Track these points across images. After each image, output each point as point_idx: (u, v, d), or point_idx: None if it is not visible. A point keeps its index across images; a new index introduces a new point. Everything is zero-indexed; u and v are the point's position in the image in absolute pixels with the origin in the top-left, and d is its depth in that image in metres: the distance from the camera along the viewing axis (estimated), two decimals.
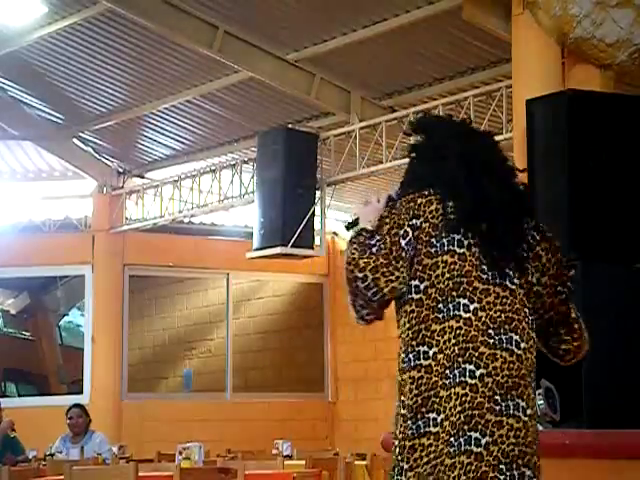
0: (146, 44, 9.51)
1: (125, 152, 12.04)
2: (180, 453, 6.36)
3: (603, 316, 4.93)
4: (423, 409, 2.72)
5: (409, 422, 2.74)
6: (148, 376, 12.80)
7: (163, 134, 11.30)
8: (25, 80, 10.85)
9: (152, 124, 11.10)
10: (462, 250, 2.80)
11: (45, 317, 13.59)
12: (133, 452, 8.93)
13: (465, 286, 2.77)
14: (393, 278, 2.79)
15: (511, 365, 2.74)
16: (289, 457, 8.11)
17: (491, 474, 2.67)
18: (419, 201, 2.86)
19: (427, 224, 2.82)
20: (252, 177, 10.52)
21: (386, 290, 2.80)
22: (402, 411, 2.77)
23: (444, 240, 2.81)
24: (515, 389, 2.73)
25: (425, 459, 2.71)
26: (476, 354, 2.72)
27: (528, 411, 2.73)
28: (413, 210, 2.85)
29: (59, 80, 10.54)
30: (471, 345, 2.72)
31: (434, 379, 2.72)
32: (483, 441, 2.67)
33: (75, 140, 11.78)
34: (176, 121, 10.94)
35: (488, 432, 2.68)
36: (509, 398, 2.71)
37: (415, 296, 2.80)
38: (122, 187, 12.17)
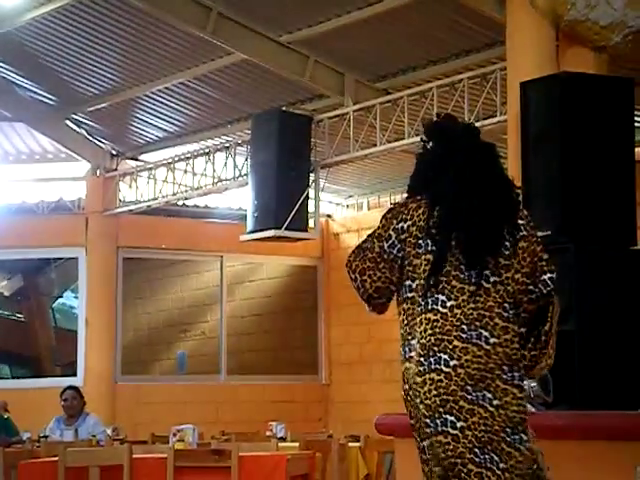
0: (139, 26, 9.47)
1: (118, 134, 12.01)
2: (174, 435, 6.37)
3: (595, 299, 4.96)
4: (409, 399, 3.05)
5: (410, 409, 3.06)
6: (142, 358, 12.81)
7: (157, 116, 11.27)
8: (18, 62, 10.80)
9: (145, 106, 11.07)
10: (432, 256, 3.05)
11: (39, 299, 13.58)
12: (127, 434, 8.95)
13: (444, 284, 3.02)
14: (375, 278, 3.11)
15: (479, 359, 2.97)
16: (283, 439, 8.14)
17: (468, 456, 2.93)
18: (410, 205, 3.13)
19: (414, 227, 3.08)
20: (246, 159, 10.51)
21: (371, 290, 3.14)
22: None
23: (428, 241, 3.06)
24: (482, 381, 2.96)
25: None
26: (450, 346, 2.97)
27: (495, 402, 2.96)
28: (402, 214, 3.12)
29: (52, 62, 10.49)
30: (446, 338, 2.98)
31: (413, 368, 3.02)
32: (458, 425, 2.94)
33: (68, 122, 11.74)
34: (170, 103, 10.91)
35: (462, 417, 2.95)
36: (477, 390, 2.96)
37: (409, 295, 3.07)
38: (115, 169, 12.15)
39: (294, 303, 13.28)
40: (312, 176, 9.96)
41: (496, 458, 2.92)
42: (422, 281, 3.03)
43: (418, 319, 3.02)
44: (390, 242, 3.10)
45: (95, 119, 11.65)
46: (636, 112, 6.13)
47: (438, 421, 2.95)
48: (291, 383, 12.62)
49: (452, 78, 8.79)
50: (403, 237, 3.08)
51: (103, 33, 9.67)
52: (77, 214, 12.10)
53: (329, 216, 13.05)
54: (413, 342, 3.02)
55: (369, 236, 3.17)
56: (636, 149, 5.73)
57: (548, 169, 5.31)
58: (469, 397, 2.94)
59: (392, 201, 12.44)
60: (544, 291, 3.11)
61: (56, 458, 5.85)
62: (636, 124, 6.01)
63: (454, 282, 3.02)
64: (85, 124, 11.81)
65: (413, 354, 3.02)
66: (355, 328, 12.39)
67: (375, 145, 9.44)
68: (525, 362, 3.09)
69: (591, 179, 5.23)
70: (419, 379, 2.99)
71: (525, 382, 3.09)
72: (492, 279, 3.03)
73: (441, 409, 2.94)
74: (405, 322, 3.07)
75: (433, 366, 2.97)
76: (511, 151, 6.63)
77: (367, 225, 12.62)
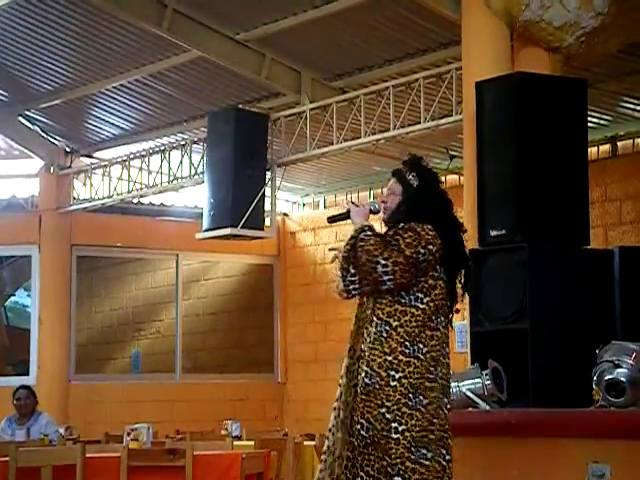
0: (94, 21, 9.38)
1: (73, 131, 11.90)
2: (128, 434, 6.33)
3: (548, 297, 5.00)
4: (419, 390, 3.67)
5: (410, 395, 3.66)
6: (96, 357, 12.70)
7: (111, 113, 11.18)
8: None
9: (100, 103, 10.97)
10: (443, 282, 3.83)
11: None
12: (80, 433, 8.86)
13: (445, 309, 3.83)
14: (404, 277, 3.72)
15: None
16: (238, 438, 8.12)
17: None
18: (432, 233, 3.79)
19: (437, 254, 3.79)
20: (202, 157, 10.46)
21: (397, 282, 3.71)
22: (394, 383, 3.68)
23: (441, 269, 3.81)
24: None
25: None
26: (447, 360, 3.81)
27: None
28: (433, 238, 3.79)
29: (4, 58, 10.36)
30: (444, 352, 3.80)
31: (422, 369, 3.70)
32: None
33: (21, 119, 11.60)
34: (125, 100, 10.83)
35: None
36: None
37: (420, 305, 3.75)
38: (70, 167, 12.03)
39: (250, 302, 13.26)
40: (268, 174, 9.94)
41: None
42: (436, 302, 3.77)
43: (430, 333, 3.75)
44: (423, 258, 3.74)
45: (49, 116, 11.52)
46: (589, 113, 6.20)
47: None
48: (247, 382, 12.60)
49: (408, 77, 8.83)
50: (430, 258, 3.75)
51: (57, 29, 9.57)
52: (30, 212, 11.97)
53: (285, 214, 13.04)
54: (424, 349, 3.73)
55: (380, 234, 3.79)
56: (589, 149, 5.79)
57: (503, 168, 5.34)
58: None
59: (348, 199, 12.48)
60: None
61: (7, 458, 5.78)
62: (589, 125, 6.08)
63: (445, 308, 3.85)
64: (38, 121, 11.68)
65: (422, 358, 3.73)
66: (311, 327, 12.40)
67: (332, 144, 9.45)
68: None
69: (545, 178, 5.27)
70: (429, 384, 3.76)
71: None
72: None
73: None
74: (414, 324, 3.71)
75: (440, 372, 3.84)
76: (467, 150, 6.67)
77: (323, 224, 12.61)
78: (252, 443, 7.38)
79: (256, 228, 9.82)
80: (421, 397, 3.65)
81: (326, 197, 12.86)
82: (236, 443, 7.22)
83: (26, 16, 9.47)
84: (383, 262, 3.68)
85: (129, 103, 10.87)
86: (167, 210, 12.46)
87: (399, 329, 3.70)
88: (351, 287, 3.76)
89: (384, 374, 3.68)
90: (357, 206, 3.98)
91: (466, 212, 6.35)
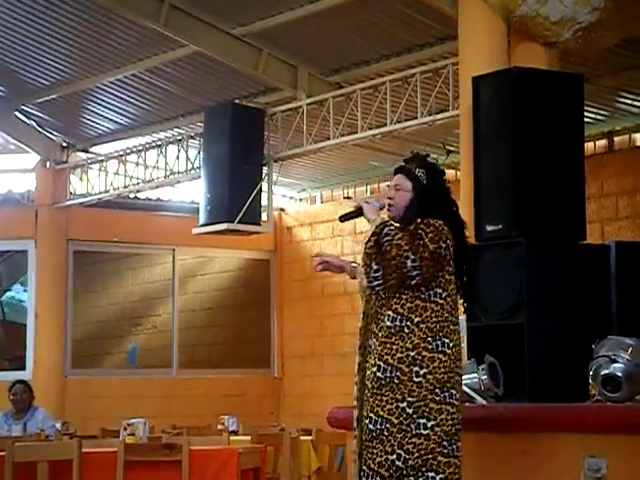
0: (91, 16, 9.36)
1: (69, 126, 11.88)
2: (125, 429, 6.34)
3: (545, 292, 5.00)
4: (448, 384, 3.70)
5: (437, 390, 3.68)
6: (93, 352, 12.70)
7: (108, 108, 11.17)
8: None
9: (97, 98, 10.96)
10: (455, 277, 3.90)
11: None
12: (77, 428, 8.86)
13: (457, 304, 3.91)
14: (429, 272, 3.75)
15: None
16: (235, 433, 8.12)
17: None
18: (446, 229, 3.83)
19: (452, 249, 3.84)
20: (198, 152, 10.45)
21: (424, 277, 3.75)
22: (418, 379, 3.67)
23: (453, 264, 3.86)
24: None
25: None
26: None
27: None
28: (448, 233, 3.83)
29: (1, 52, 10.34)
30: (460, 346, 3.90)
31: (450, 363, 3.75)
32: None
33: (17, 113, 11.58)
34: (121, 95, 10.81)
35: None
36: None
37: (439, 300, 3.78)
38: (66, 162, 12.02)
39: (247, 297, 13.25)
40: (265, 169, 9.93)
41: None
42: (453, 297, 3.85)
43: (453, 328, 3.81)
44: (444, 254, 3.80)
45: (45, 111, 11.51)
46: (585, 108, 6.20)
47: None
48: (243, 377, 12.60)
49: (405, 72, 8.82)
50: (446, 253, 3.80)
51: (53, 23, 9.55)
52: (26, 206, 11.95)
53: (282, 210, 13.03)
54: (450, 343, 3.77)
55: (402, 230, 3.81)
56: (585, 145, 5.79)
57: (500, 164, 5.34)
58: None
59: (345, 194, 12.49)
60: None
61: (3, 453, 5.78)
62: (585, 120, 6.07)
63: (458, 303, 3.95)
64: (35, 116, 11.66)
65: (449, 352, 3.79)
66: (307, 322, 12.40)
67: (328, 139, 9.44)
68: None
69: (542, 174, 5.27)
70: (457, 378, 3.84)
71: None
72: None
73: (449, 383, 3.83)
74: (435, 320, 3.74)
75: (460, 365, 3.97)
76: (463, 145, 6.67)
77: (320, 218, 12.63)
78: (249, 438, 7.38)
79: (253, 223, 9.82)
80: (452, 391, 3.71)
81: (323, 192, 12.85)
82: (233, 438, 7.23)
83: (22, 11, 9.45)
84: (412, 257, 3.69)
85: (126, 98, 10.86)
86: (164, 205, 12.45)
87: (421, 325, 3.71)
88: (375, 283, 3.75)
89: (406, 369, 3.67)
90: (367, 202, 3.97)
91: (462, 207, 6.35)
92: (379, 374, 3.70)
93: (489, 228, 5.29)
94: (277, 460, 7.38)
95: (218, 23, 9.33)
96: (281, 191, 12.61)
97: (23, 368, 11.63)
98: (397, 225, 3.89)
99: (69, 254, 11.99)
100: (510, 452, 3.91)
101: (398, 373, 3.66)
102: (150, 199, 12.34)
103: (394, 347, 3.70)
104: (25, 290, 12.39)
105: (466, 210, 5.94)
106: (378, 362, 3.71)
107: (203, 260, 13.15)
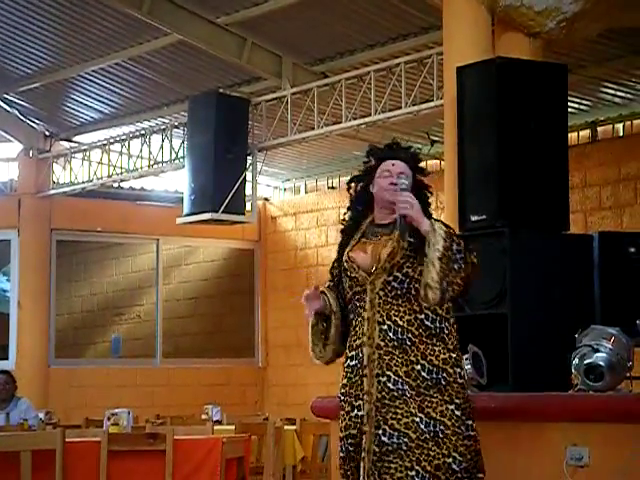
0: (73, 4, 9.31)
1: (52, 115, 11.83)
2: (108, 419, 6.32)
3: (529, 282, 5.02)
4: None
5: (468, 390, 3.75)
6: (76, 342, 12.67)
7: (91, 97, 11.12)
8: None
9: (80, 87, 10.90)
10: None
11: None
12: (60, 418, 8.86)
13: None
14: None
15: None
16: (219, 422, 8.13)
17: None
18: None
19: None
20: (182, 142, 10.43)
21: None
22: (461, 380, 3.71)
23: None
24: None
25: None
26: None
27: None
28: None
29: None
30: None
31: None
32: None
33: (0, 102, 11.52)
34: (105, 84, 10.76)
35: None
36: None
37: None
38: (49, 151, 11.96)
39: (231, 286, 13.25)
40: (249, 159, 9.92)
41: None
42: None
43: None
44: None
45: (28, 99, 11.44)
46: (569, 98, 6.21)
47: None
48: (227, 366, 12.61)
49: (389, 62, 8.82)
50: None
51: (35, 11, 9.49)
52: (9, 195, 11.91)
53: (266, 199, 13.02)
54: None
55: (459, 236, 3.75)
56: (569, 135, 5.80)
57: (484, 153, 5.34)
58: None
59: (329, 184, 12.49)
60: None
61: None
62: (569, 110, 6.09)
63: None
64: (17, 104, 11.60)
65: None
66: (292, 311, 12.39)
67: (313, 128, 9.44)
68: None
69: (526, 164, 5.28)
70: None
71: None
72: None
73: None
74: (455, 334, 3.76)
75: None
76: (448, 135, 6.67)
77: (304, 208, 12.63)
78: (232, 428, 7.39)
79: (237, 213, 9.81)
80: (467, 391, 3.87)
81: (307, 182, 12.85)
82: (217, 428, 7.22)
83: None
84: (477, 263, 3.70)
85: (109, 87, 10.81)
86: (147, 195, 12.42)
87: (455, 325, 3.75)
88: (446, 295, 3.64)
89: (451, 370, 3.65)
90: (409, 202, 3.62)
91: (447, 197, 6.37)
92: (424, 374, 3.61)
93: (473, 218, 5.29)
94: (261, 449, 7.38)
95: (202, 12, 9.30)
96: (265, 181, 12.60)
97: (6, 358, 11.60)
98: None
99: (52, 244, 11.95)
100: (493, 441, 3.92)
101: (444, 374, 3.63)
102: (134, 189, 12.30)
103: (436, 348, 3.65)
104: (8, 280, 12.34)
105: (450, 200, 5.96)
106: (422, 361, 3.62)
107: (187, 250, 13.13)
